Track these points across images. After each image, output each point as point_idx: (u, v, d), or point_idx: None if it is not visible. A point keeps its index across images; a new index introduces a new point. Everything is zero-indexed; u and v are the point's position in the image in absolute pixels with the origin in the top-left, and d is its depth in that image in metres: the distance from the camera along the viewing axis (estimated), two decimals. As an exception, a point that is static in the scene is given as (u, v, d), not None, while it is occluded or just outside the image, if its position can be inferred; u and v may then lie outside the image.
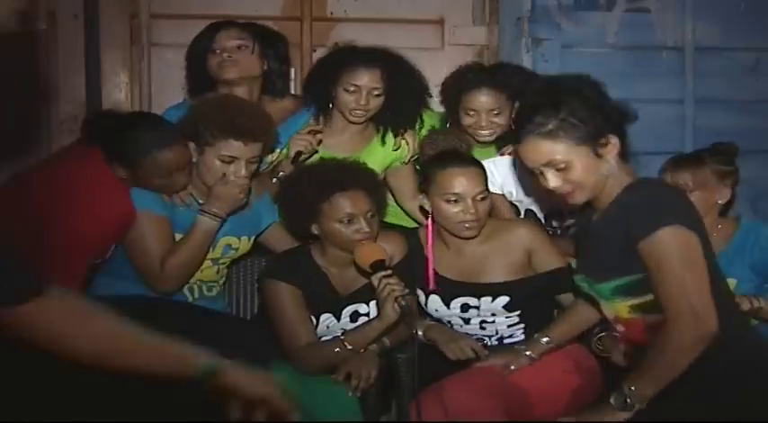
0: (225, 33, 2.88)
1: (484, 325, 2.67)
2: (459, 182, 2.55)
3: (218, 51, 2.86)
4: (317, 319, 2.59)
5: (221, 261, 2.70)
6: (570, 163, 2.03)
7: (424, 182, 2.63)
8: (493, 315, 2.65)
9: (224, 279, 2.79)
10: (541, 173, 2.07)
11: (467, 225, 2.55)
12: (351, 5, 3.56)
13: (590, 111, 2.05)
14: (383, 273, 2.38)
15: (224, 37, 2.87)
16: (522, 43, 3.46)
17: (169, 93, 3.38)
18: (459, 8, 3.62)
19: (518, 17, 3.50)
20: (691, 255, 1.95)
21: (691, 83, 3.63)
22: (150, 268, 2.53)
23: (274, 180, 2.78)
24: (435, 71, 3.15)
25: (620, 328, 2.16)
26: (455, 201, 2.54)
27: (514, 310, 2.63)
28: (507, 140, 2.92)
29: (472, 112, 2.89)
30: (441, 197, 2.56)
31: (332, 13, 3.56)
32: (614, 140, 2.08)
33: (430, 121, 3.00)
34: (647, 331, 2.04)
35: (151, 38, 3.39)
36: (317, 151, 2.80)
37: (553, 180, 2.05)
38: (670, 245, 1.94)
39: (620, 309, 2.11)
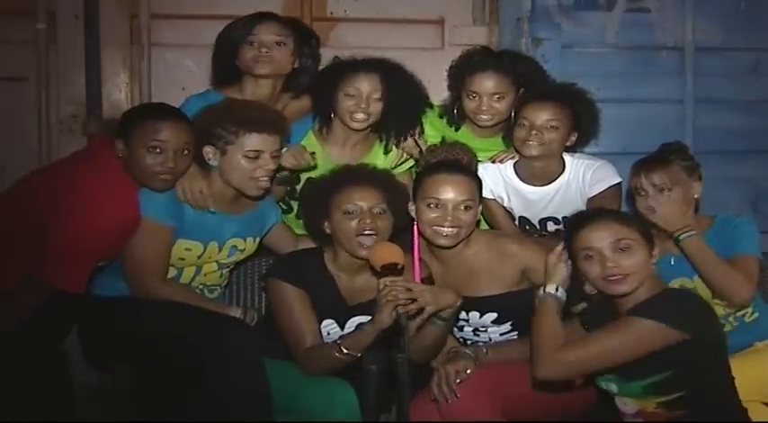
0: (265, 27, 2.84)
1: (477, 332, 2.66)
2: (444, 189, 2.51)
3: (255, 44, 2.83)
4: (319, 324, 2.55)
5: (226, 264, 2.70)
6: (634, 248, 2.22)
7: (415, 188, 2.61)
8: (484, 327, 2.64)
9: (226, 281, 2.79)
10: (600, 254, 2.22)
11: (443, 233, 2.50)
12: (351, 5, 3.56)
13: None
14: (392, 277, 2.33)
15: (264, 30, 2.84)
16: (522, 43, 3.45)
17: (169, 93, 3.37)
18: (459, 8, 3.62)
19: (518, 17, 3.50)
20: (642, 344, 2.14)
21: (691, 83, 3.63)
22: (137, 277, 2.52)
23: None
24: (435, 71, 3.16)
25: (639, 420, 2.28)
26: (435, 205, 2.50)
27: (504, 324, 2.62)
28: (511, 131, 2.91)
29: (474, 95, 2.90)
30: (423, 202, 2.53)
31: (332, 13, 3.56)
32: (657, 252, 2.29)
33: (430, 121, 3.01)
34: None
35: (151, 38, 3.38)
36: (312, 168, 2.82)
37: (612, 260, 2.21)
38: (638, 329, 2.14)
39: (647, 405, 2.25)
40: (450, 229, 2.50)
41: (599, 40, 3.60)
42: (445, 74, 3.19)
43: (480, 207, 2.62)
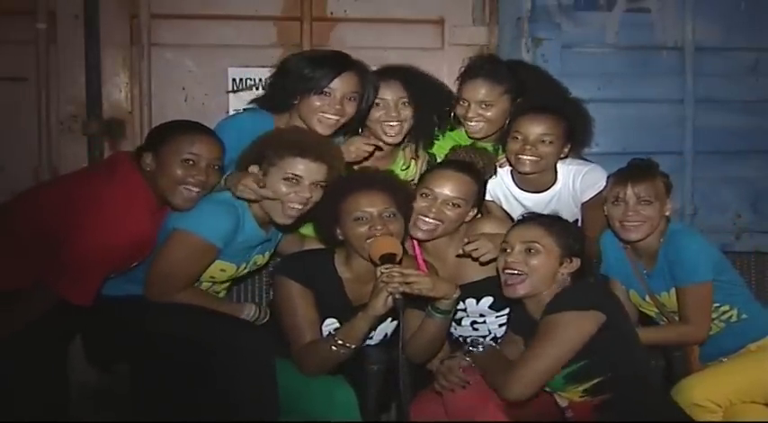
0: (346, 79, 2.71)
1: (475, 325, 2.68)
2: (440, 182, 2.56)
3: (329, 95, 2.70)
4: (321, 323, 2.55)
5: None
6: (541, 254, 2.36)
7: (418, 181, 2.67)
8: (482, 316, 2.65)
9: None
10: (511, 248, 2.38)
11: (422, 226, 2.54)
12: (351, 5, 3.55)
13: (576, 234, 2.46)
14: (388, 265, 2.33)
15: (344, 84, 2.71)
16: (522, 43, 3.45)
17: (169, 93, 3.38)
18: (459, 8, 3.61)
19: (518, 17, 3.50)
20: (576, 335, 2.26)
21: (691, 83, 3.63)
22: (160, 286, 2.51)
23: None
24: (435, 71, 3.14)
25: (570, 414, 2.38)
26: (426, 195, 2.56)
27: (502, 310, 2.64)
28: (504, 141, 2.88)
29: (464, 102, 2.87)
30: (418, 191, 2.59)
31: (332, 13, 3.55)
32: (577, 263, 2.40)
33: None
34: (594, 411, 2.31)
35: (151, 38, 3.38)
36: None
37: (516, 257, 2.36)
38: (563, 325, 2.27)
39: (572, 395, 2.35)
40: (431, 221, 2.54)
41: (599, 40, 3.60)
42: (445, 74, 3.19)
43: (475, 211, 2.65)
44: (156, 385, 2.53)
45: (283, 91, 2.76)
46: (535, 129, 2.75)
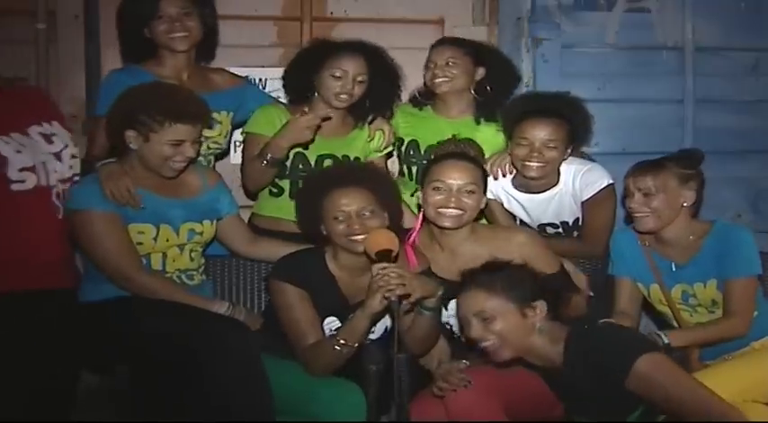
0: (168, 1, 2.88)
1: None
2: (450, 173, 2.59)
3: (164, 18, 2.86)
4: (321, 322, 2.54)
5: (189, 246, 2.69)
6: (498, 319, 2.30)
7: (422, 176, 2.67)
8: None
9: (202, 267, 2.77)
10: (468, 323, 2.34)
11: (447, 213, 2.57)
12: (351, 5, 3.56)
13: (524, 278, 2.38)
14: (385, 264, 2.34)
15: (168, 4, 2.88)
16: (522, 43, 3.46)
17: (169, 93, 3.38)
18: (459, 8, 3.62)
19: (518, 17, 3.50)
20: (673, 369, 2.22)
21: (691, 83, 3.64)
22: (110, 269, 2.54)
23: (264, 163, 2.83)
24: (435, 71, 3.15)
25: None
26: (439, 188, 2.58)
27: None
28: (482, 108, 3.02)
29: (431, 64, 3.02)
30: (429, 185, 2.60)
31: (332, 13, 3.56)
32: (542, 307, 2.33)
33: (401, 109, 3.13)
34: None
35: (151, 38, 3.38)
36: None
37: (476, 330, 2.32)
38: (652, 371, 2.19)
39: None
40: (454, 211, 2.57)
41: (599, 40, 3.61)
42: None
43: (485, 197, 2.67)
44: (148, 386, 2.52)
45: (131, 36, 2.93)
46: (540, 133, 2.79)
